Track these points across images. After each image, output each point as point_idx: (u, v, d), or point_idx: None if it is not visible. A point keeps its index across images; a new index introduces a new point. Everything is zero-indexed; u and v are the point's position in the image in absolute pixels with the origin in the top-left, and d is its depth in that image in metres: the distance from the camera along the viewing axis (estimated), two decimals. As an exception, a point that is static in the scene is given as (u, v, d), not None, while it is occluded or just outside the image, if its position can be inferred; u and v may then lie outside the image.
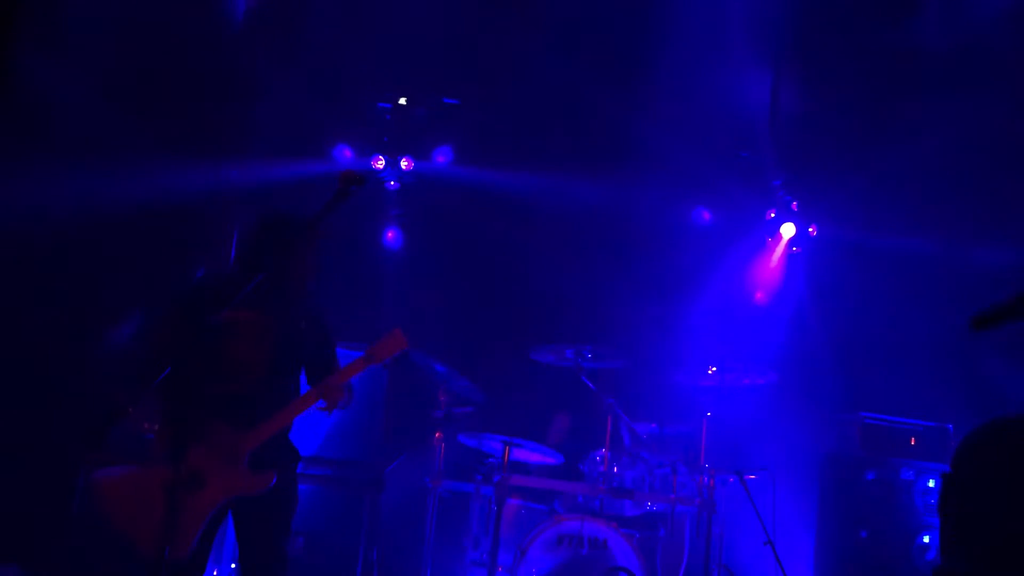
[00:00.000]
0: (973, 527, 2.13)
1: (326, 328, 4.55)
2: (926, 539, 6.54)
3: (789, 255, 8.04)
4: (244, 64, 7.21)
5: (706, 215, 8.15)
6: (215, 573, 5.89)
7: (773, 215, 7.99)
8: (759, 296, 7.98)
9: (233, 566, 5.86)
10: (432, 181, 7.92)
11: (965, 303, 7.25)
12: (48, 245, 6.40)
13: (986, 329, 2.01)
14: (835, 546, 6.74)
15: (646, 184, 7.70)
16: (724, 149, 7.89)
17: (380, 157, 7.80)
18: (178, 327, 4.14)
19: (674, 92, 7.43)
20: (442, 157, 7.97)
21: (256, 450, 4.15)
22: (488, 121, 7.79)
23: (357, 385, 6.56)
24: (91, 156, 6.51)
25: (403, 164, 7.81)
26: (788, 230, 7.95)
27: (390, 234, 8.00)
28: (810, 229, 7.97)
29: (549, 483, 6.10)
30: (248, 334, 4.24)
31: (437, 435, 6.19)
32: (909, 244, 7.58)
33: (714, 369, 6.12)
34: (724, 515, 6.08)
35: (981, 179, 7.31)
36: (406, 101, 7.87)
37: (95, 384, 6.11)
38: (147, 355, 4.25)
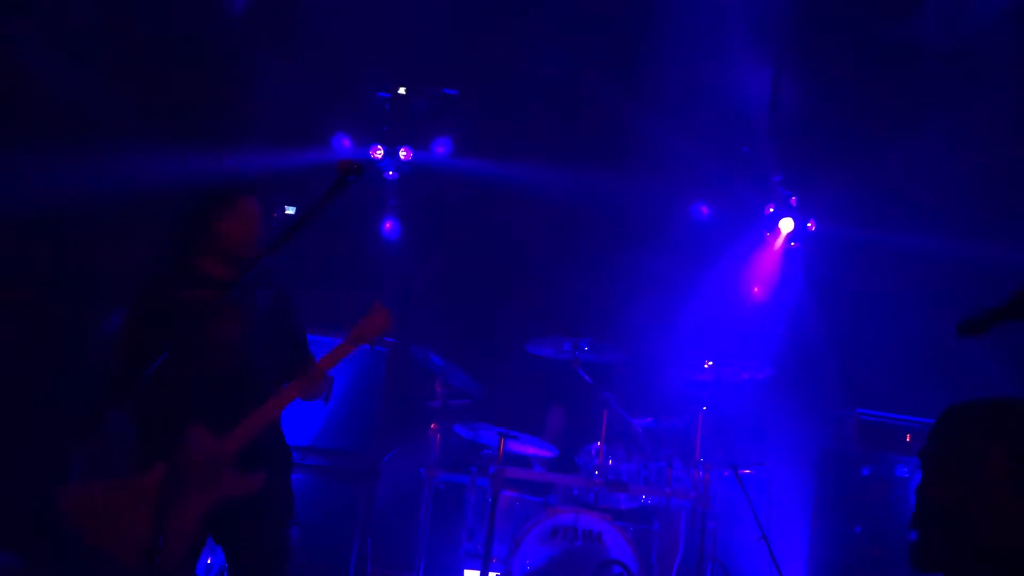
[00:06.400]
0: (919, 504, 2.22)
1: (293, 305, 4.19)
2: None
3: (787, 250, 8.04)
4: (243, 52, 7.19)
5: (705, 209, 8.14)
6: (209, 561, 5.88)
7: (772, 210, 7.97)
8: (757, 291, 7.97)
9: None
10: (431, 172, 7.91)
11: (963, 300, 7.30)
12: (42, 232, 6.40)
13: (973, 335, 2.07)
14: (830, 541, 6.75)
15: (645, 178, 7.69)
16: (724, 144, 7.87)
17: (379, 147, 7.78)
18: (137, 328, 3.91)
19: (674, 86, 7.42)
20: (441, 148, 7.95)
21: (244, 450, 3.82)
22: (487, 113, 7.77)
23: (355, 376, 6.56)
24: (91, 143, 6.50)
25: (402, 154, 7.79)
26: (787, 225, 7.93)
27: (388, 224, 7.98)
28: (809, 224, 7.95)
29: (544, 475, 6.10)
30: (213, 313, 3.86)
31: (433, 426, 6.19)
32: (907, 240, 7.57)
33: (711, 363, 6.11)
34: (719, 509, 6.09)
35: (980, 176, 7.30)
36: (406, 91, 7.85)
37: (91, 372, 6.10)
38: (118, 363, 3.94)
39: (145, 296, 4.00)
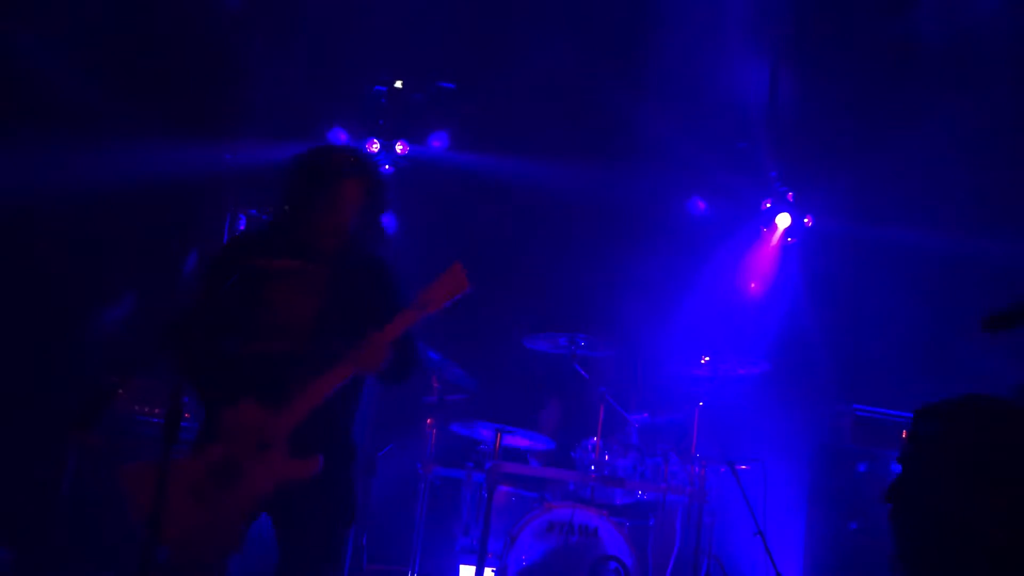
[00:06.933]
0: (903, 513, 2.20)
1: (392, 284, 3.79)
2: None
3: (784, 245, 8.03)
4: (241, 45, 7.17)
5: (702, 205, 8.13)
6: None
7: (769, 205, 7.97)
8: (753, 286, 7.96)
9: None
10: (427, 166, 7.89)
11: (960, 296, 7.30)
12: (40, 225, 6.38)
13: (998, 331, 2.04)
14: (825, 537, 6.75)
15: (642, 173, 7.68)
16: (721, 139, 7.87)
17: (375, 141, 7.75)
18: (211, 288, 3.56)
19: (672, 81, 7.41)
20: (437, 142, 7.93)
21: (300, 436, 3.43)
22: (484, 107, 7.75)
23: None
24: (87, 136, 6.49)
25: (398, 148, 7.76)
26: (783, 220, 7.93)
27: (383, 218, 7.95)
28: (805, 220, 7.95)
29: (540, 471, 6.09)
30: (291, 284, 3.56)
31: (429, 421, 6.19)
32: (904, 236, 7.57)
33: (707, 359, 6.11)
34: (715, 505, 6.09)
35: (978, 172, 7.30)
36: (402, 85, 7.83)
37: (87, 365, 6.09)
38: (183, 319, 3.55)
39: (224, 257, 3.71)
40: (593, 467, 5.89)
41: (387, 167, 7.85)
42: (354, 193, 3.65)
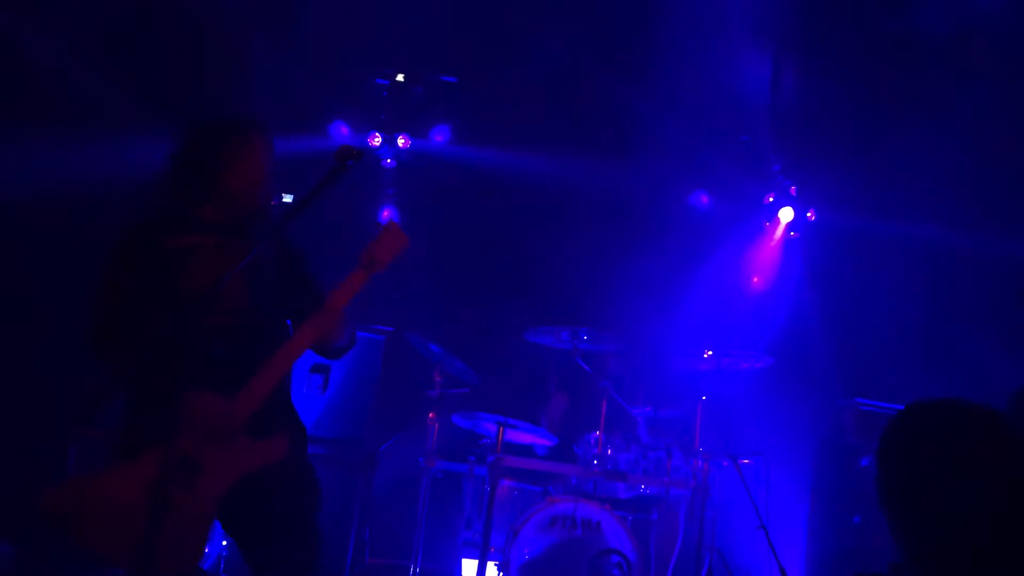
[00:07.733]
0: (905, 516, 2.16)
1: (302, 252, 3.66)
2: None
3: (787, 240, 8.02)
4: (242, 39, 7.15)
5: (705, 198, 8.12)
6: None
7: (772, 199, 7.95)
8: (756, 280, 7.95)
9: (224, 543, 5.83)
10: (429, 160, 7.87)
11: (963, 290, 7.28)
12: (38, 217, 6.37)
13: None
14: (828, 531, 6.75)
15: (645, 166, 7.66)
16: (724, 133, 7.85)
17: (377, 134, 7.73)
18: (120, 282, 3.37)
19: (675, 74, 7.38)
20: (439, 136, 7.91)
21: (256, 420, 3.22)
22: (486, 100, 7.73)
23: (353, 363, 6.51)
24: (87, 130, 6.48)
25: (400, 142, 7.75)
26: (786, 215, 7.92)
27: (385, 212, 7.94)
28: (808, 214, 7.94)
29: (543, 464, 6.08)
30: (210, 260, 3.35)
31: (431, 415, 6.17)
32: (907, 230, 7.56)
33: (710, 353, 6.10)
34: (718, 499, 6.07)
35: (981, 165, 7.28)
36: (404, 78, 7.81)
37: (87, 359, 6.07)
38: (98, 325, 3.39)
39: (128, 244, 3.45)
40: (596, 461, 5.88)
41: (389, 161, 7.83)
42: (257, 165, 3.56)
